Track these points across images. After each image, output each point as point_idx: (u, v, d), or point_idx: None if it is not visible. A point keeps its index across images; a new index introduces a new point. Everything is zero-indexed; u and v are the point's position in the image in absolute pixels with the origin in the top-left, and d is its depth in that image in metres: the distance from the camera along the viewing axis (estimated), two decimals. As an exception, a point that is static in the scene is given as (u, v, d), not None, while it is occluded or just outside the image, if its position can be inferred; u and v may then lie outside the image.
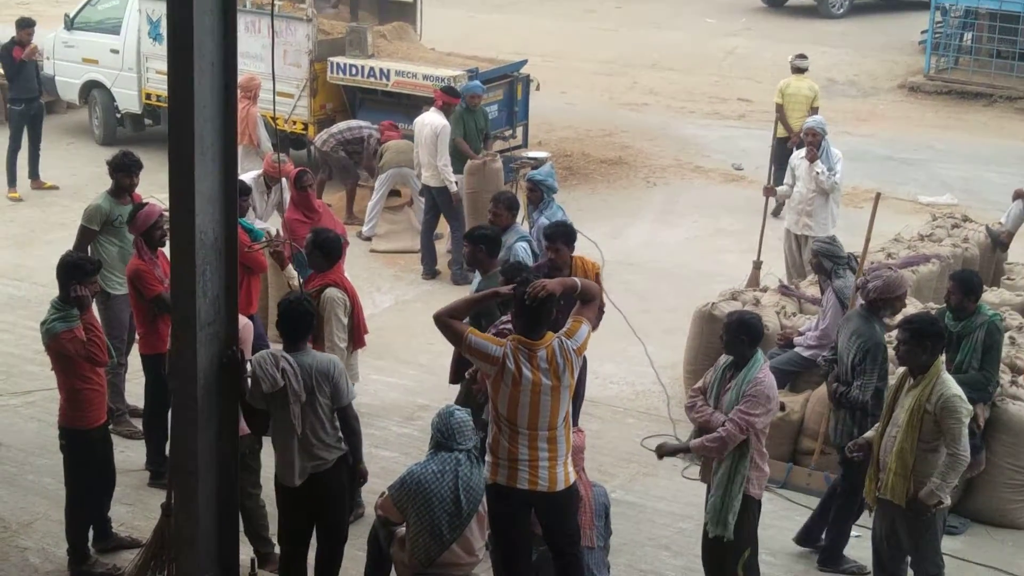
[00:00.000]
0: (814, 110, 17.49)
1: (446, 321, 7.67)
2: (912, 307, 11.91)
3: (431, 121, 15.45)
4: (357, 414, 8.45)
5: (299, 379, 8.10)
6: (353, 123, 17.24)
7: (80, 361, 8.87)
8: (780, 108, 17.78)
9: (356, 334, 10.13)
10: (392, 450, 10.85)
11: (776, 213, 15.85)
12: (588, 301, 7.74)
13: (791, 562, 9.80)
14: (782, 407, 10.92)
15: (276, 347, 8.77)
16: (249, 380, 8.16)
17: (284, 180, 13.16)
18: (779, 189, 14.27)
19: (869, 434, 8.81)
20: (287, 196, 12.63)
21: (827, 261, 11.11)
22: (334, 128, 17.10)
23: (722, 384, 8.51)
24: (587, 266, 10.24)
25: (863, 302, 9.72)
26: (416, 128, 15.65)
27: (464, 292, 11.15)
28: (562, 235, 10.20)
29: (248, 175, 12.90)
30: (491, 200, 11.58)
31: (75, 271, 8.98)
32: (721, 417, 8.34)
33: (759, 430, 8.34)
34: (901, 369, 8.67)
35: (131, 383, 11.35)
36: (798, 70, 18.13)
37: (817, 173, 13.70)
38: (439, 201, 15.38)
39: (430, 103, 17.17)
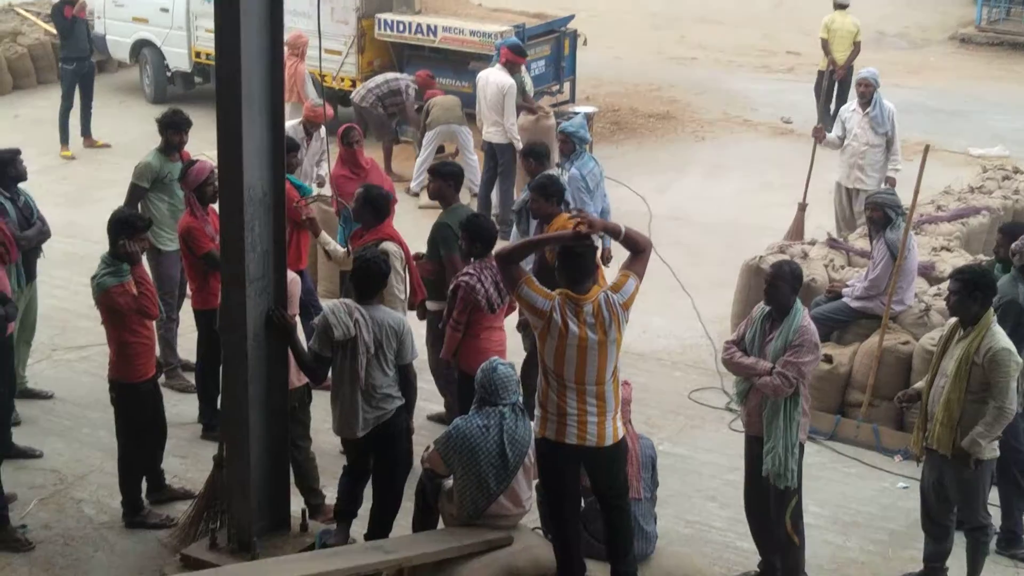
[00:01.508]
0: (856, 44, 18.89)
1: (507, 262, 7.64)
2: (962, 259, 11.86)
3: (497, 79, 15.36)
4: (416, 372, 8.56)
5: (370, 331, 8.25)
6: (389, 75, 17.08)
7: (130, 315, 8.95)
8: (824, 43, 19.01)
9: (413, 289, 10.16)
10: (440, 404, 10.89)
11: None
12: (637, 253, 7.68)
13: (839, 512, 9.80)
14: (829, 359, 10.90)
15: (325, 303, 8.83)
16: (317, 327, 8.30)
17: (324, 129, 13.19)
18: (828, 135, 14.13)
19: (919, 384, 8.77)
20: (325, 147, 12.65)
21: (890, 211, 11.04)
22: (370, 83, 16.97)
23: (763, 336, 8.49)
24: (564, 223, 10.16)
25: (1017, 264, 9.54)
26: (479, 84, 15.56)
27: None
28: (537, 187, 10.46)
29: (287, 124, 12.87)
30: (520, 154, 11.66)
31: (125, 227, 9.06)
32: (767, 364, 8.34)
33: (806, 377, 8.35)
34: (952, 320, 8.62)
35: (183, 338, 11.45)
36: (840, 6, 19.21)
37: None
38: (501, 159, 15.32)
39: (477, 59, 17.21)
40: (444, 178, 10.42)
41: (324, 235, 10.84)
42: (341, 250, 10.55)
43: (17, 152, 10.89)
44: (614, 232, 7.69)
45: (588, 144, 12.25)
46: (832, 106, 18.25)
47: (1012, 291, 9.35)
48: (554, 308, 7.43)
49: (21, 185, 10.84)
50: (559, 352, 7.44)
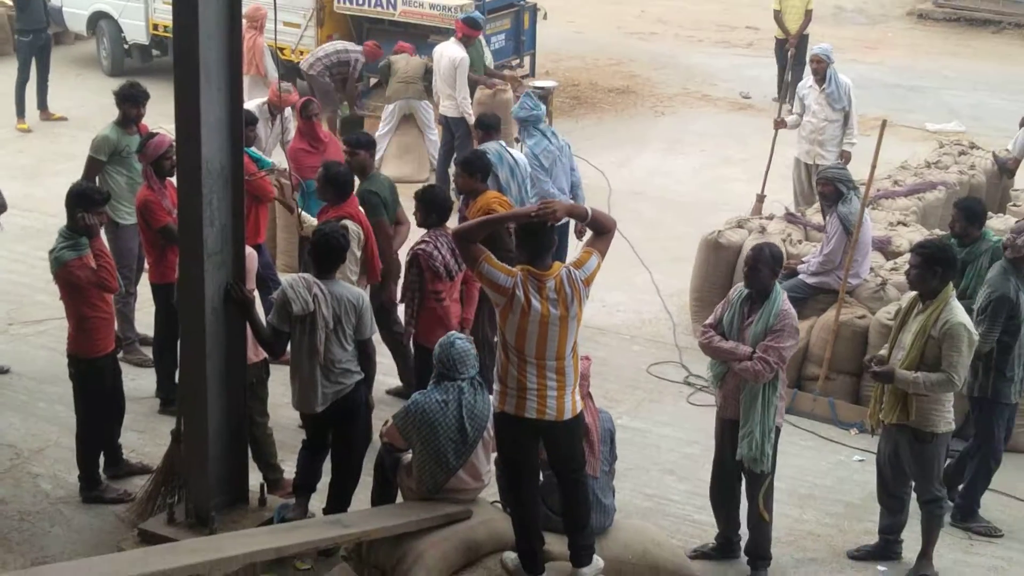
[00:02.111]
0: (808, 13, 19.14)
1: (465, 240, 7.61)
2: (918, 234, 11.93)
3: (450, 53, 15.33)
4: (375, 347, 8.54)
5: (328, 306, 8.23)
6: (339, 44, 16.90)
7: (89, 289, 8.89)
8: (777, 14, 19.31)
9: (370, 267, 10.14)
10: (399, 379, 10.87)
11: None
12: (601, 233, 7.69)
13: (795, 485, 9.85)
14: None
15: (284, 277, 8.80)
16: (275, 302, 8.27)
17: (289, 110, 13.11)
18: (788, 119, 14.21)
19: (883, 352, 8.79)
20: (292, 127, 12.59)
21: (842, 186, 11.09)
22: (320, 51, 16.79)
23: (742, 318, 8.47)
24: (488, 201, 10.34)
25: (1009, 256, 9.46)
26: (435, 58, 15.53)
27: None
28: (462, 163, 10.70)
29: (252, 103, 12.79)
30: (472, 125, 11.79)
31: (83, 200, 8.99)
32: (747, 348, 8.32)
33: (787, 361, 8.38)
34: (911, 293, 8.66)
35: (141, 312, 11.39)
36: None
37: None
38: (456, 132, 15.30)
39: (437, 32, 17.12)
40: (359, 149, 10.60)
41: (303, 212, 10.73)
42: (314, 221, 10.38)
43: None
44: (580, 215, 7.72)
45: (542, 121, 12.18)
46: (789, 74, 18.13)
47: (1003, 285, 9.22)
48: (516, 285, 7.41)
49: None
50: (521, 328, 7.43)
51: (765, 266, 8.37)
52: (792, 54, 18.09)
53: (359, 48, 16.69)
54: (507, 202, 10.63)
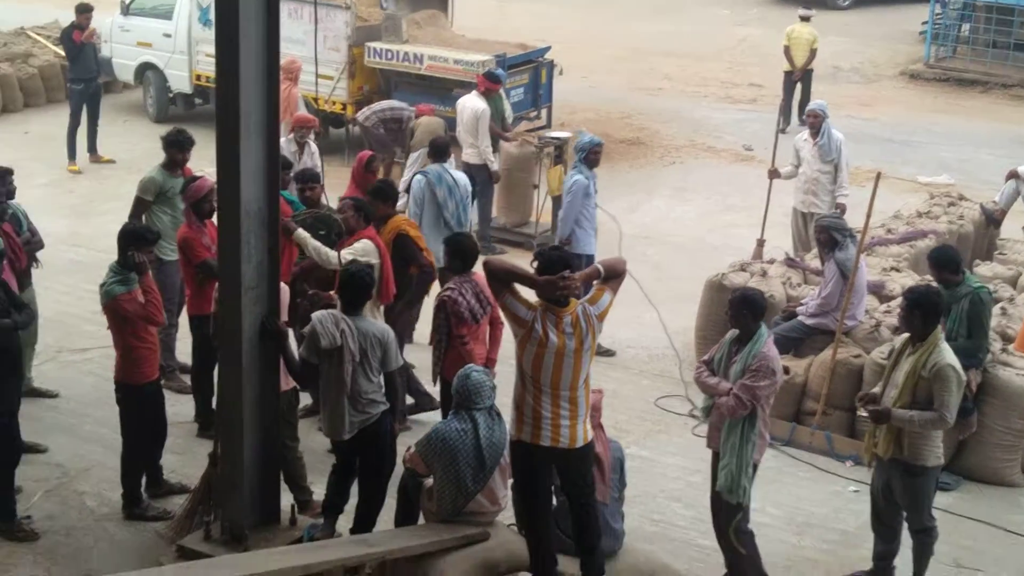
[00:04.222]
0: (813, 51, 20.79)
1: (495, 273, 7.61)
2: (910, 279, 11.91)
3: (472, 105, 15.43)
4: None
5: (355, 340, 8.22)
6: (395, 103, 17.07)
7: (135, 321, 8.93)
8: (787, 49, 20.96)
9: (384, 288, 10.17)
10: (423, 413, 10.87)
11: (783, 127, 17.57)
12: (613, 278, 7.72)
13: (794, 514, 9.81)
14: (787, 370, 10.92)
15: (314, 313, 8.79)
16: (306, 336, 8.27)
17: (315, 146, 13.17)
18: (783, 170, 14.22)
19: (875, 389, 8.77)
20: (318, 162, 12.62)
21: (836, 234, 11.10)
22: (376, 105, 16.98)
23: (729, 357, 8.47)
24: (387, 228, 10.60)
25: None
26: (458, 109, 15.64)
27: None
28: (374, 191, 10.85)
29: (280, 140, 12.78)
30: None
31: (136, 239, 9.06)
32: (727, 385, 8.33)
33: (764, 401, 8.32)
34: (905, 335, 8.64)
35: (180, 342, 11.41)
36: (803, 18, 21.13)
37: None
38: (478, 178, 15.37)
39: (461, 85, 17.23)
40: (356, 210, 10.44)
41: (300, 232, 10.57)
42: (324, 248, 10.34)
43: (7, 171, 10.77)
44: (595, 276, 7.70)
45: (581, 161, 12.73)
46: (797, 101, 20.55)
47: None
48: (536, 318, 7.44)
49: (13, 201, 10.76)
50: (537, 358, 7.44)
51: (745, 309, 8.36)
52: (798, 81, 20.48)
53: (410, 107, 16.75)
54: (414, 224, 11.07)
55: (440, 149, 12.96)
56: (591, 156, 12.65)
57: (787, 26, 21.76)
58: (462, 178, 12.83)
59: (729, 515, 8.35)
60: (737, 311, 8.38)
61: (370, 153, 12.23)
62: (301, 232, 10.27)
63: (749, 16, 29.67)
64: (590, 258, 12.01)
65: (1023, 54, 24.53)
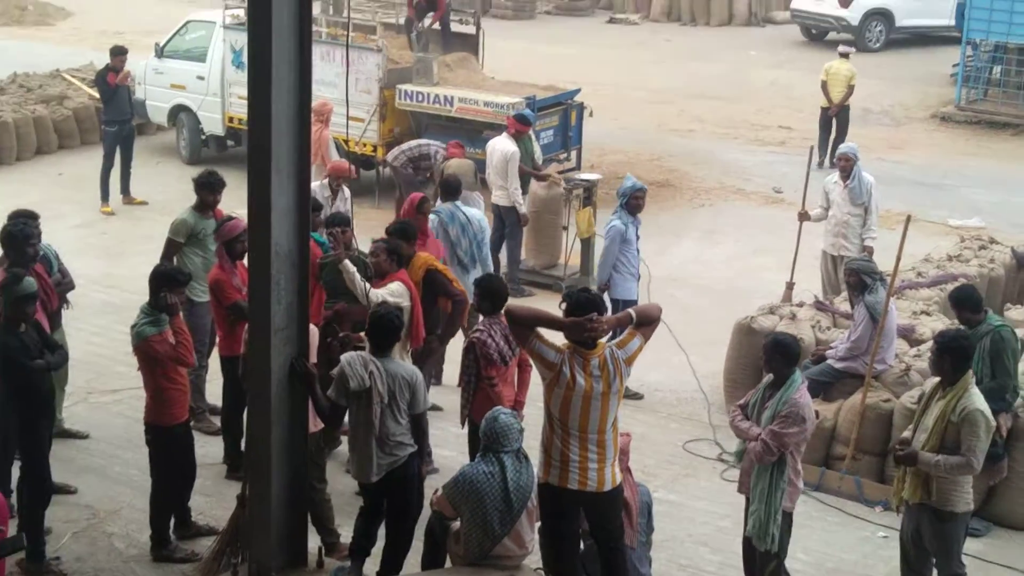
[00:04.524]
0: (851, 87, 21.02)
1: (519, 320, 7.65)
2: (940, 323, 11.86)
3: (502, 147, 15.48)
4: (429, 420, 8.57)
5: (384, 383, 8.25)
6: (423, 140, 17.09)
7: (166, 362, 8.98)
8: (824, 84, 21.22)
9: (414, 332, 10.20)
10: (450, 449, 10.87)
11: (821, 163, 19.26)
12: (645, 324, 7.72)
13: (823, 559, 9.75)
14: (816, 414, 10.86)
15: (343, 355, 8.81)
16: (335, 377, 8.28)
17: (347, 190, 13.26)
18: (812, 213, 14.20)
19: (906, 433, 8.72)
20: (351, 207, 12.69)
21: (866, 277, 11.07)
22: (404, 145, 17.01)
23: (762, 402, 8.48)
24: (416, 263, 10.72)
25: None
26: (488, 151, 15.69)
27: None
28: (399, 231, 10.84)
29: (314, 183, 12.86)
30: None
31: (168, 280, 9.13)
32: (757, 430, 8.32)
33: (794, 448, 8.29)
34: (935, 379, 8.61)
35: (210, 384, 11.45)
36: (843, 55, 21.53)
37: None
38: (507, 220, 15.42)
39: (491, 128, 17.29)
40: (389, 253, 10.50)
41: (347, 263, 10.55)
42: (361, 282, 10.27)
43: (33, 216, 10.77)
44: (625, 323, 7.70)
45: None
46: (831, 137, 20.85)
47: None
48: (564, 361, 7.45)
49: (45, 242, 10.79)
50: (565, 401, 7.45)
51: (777, 354, 8.38)
52: (834, 117, 20.82)
53: (439, 143, 16.78)
54: (435, 259, 11.03)
55: (451, 188, 13.05)
56: (632, 201, 12.63)
57: (816, 69, 21.79)
58: (475, 215, 12.92)
59: (764, 563, 8.32)
60: (770, 356, 8.39)
61: (422, 195, 12.29)
62: (348, 264, 10.30)
63: (779, 59, 29.71)
64: (629, 303, 11.97)
65: (1054, 97, 24.45)
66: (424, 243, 11.67)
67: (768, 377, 8.56)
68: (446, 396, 11.52)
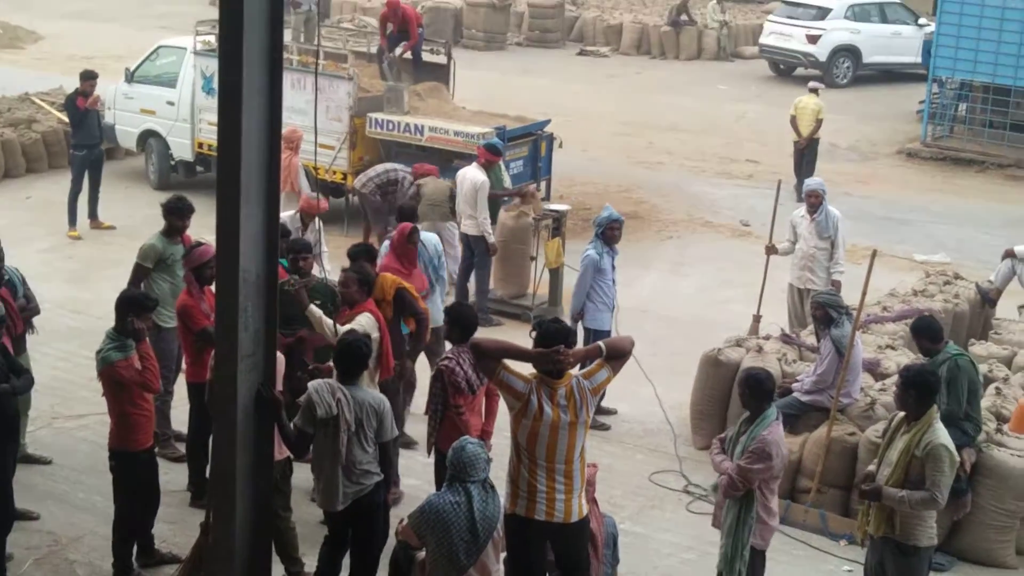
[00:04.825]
0: (819, 121, 21.46)
1: (485, 352, 7.67)
2: (905, 357, 11.92)
3: (472, 176, 15.47)
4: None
5: (351, 410, 8.22)
6: (389, 165, 16.96)
7: (131, 387, 8.93)
8: (793, 119, 21.70)
9: (383, 362, 10.18)
10: (417, 479, 10.84)
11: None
12: (615, 358, 7.72)
13: (787, 593, 9.77)
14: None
15: (310, 382, 8.78)
16: (302, 405, 8.24)
17: (319, 221, 13.26)
18: (780, 246, 14.28)
19: (871, 468, 8.76)
20: (322, 238, 12.67)
21: (832, 311, 11.12)
22: (371, 171, 16.90)
23: (737, 436, 8.51)
24: (385, 284, 10.73)
25: None
26: (458, 181, 15.67)
27: (488, 335, 11.30)
28: (363, 252, 10.97)
29: (285, 214, 12.85)
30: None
31: (135, 306, 9.09)
32: (729, 464, 8.34)
33: (762, 484, 8.29)
34: (900, 413, 8.65)
35: (176, 410, 11.38)
36: (812, 90, 21.96)
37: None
38: (476, 249, 15.43)
39: (461, 157, 17.30)
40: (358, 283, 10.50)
41: (313, 307, 10.63)
42: (329, 322, 10.36)
43: None
44: (596, 355, 7.72)
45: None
46: (801, 170, 21.14)
47: None
48: (531, 391, 7.47)
49: (11, 266, 10.74)
50: (533, 432, 7.45)
51: (743, 388, 8.46)
52: (803, 150, 21.29)
53: (407, 168, 16.74)
54: (394, 279, 10.98)
55: (406, 213, 13.05)
56: (608, 232, 12.61)
57: (784, 104, 21.95)
58: (430, 238, 12.87)
59: None
60: (742, 391, 8.44)
61: (411, 225, 12.31)
62: (315, 310, 10.30)
63: (748, 93, 29.93)
64: (602, 334, 11.99)
65: (1019, 134, 24.68)
66: (410, 273, 11.73)
67: (746, 412, 8.59)
68: (414, 425, 11.49)
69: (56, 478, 10.91)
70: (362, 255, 10.97)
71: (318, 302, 10.50)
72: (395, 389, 10.58)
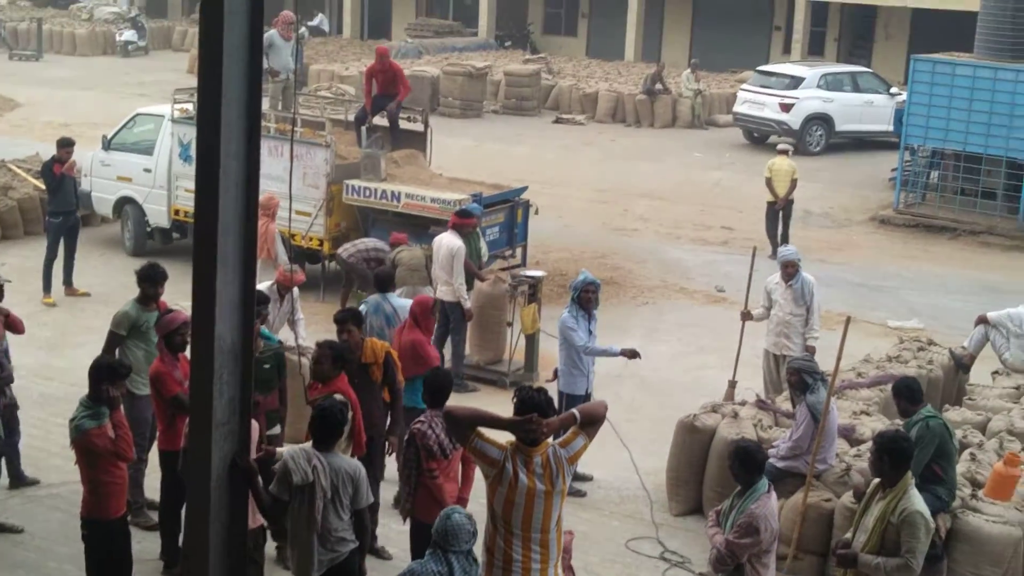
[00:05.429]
0: (794, 181, 21.95)
1: (458, 420, 7.66)
2: (880, 423, 11.94)
3: (448, 243, 15.50)
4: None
5: (327, 477, 8.18)
6: (379, 243, 16.98)
7: (105, 456, 8.86)
8: (769, 181, 22.07)
9: (356, 440, 10.11)
10: (393, 547, 10.75)
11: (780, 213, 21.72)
12: (590, 424, 7.72)
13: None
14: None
15: (286, 449, 8.74)
16: (277, 472, 8.19)
17: (296, 290, 13.26)
18: (755, 312, 14.34)
19: (847, 535, 8.74)
20: (298, 307, 12.67)
21: (808, 376, 11.14)
22: (360, 243, 16.97)
23: (730, 509, 8.52)
24: (376, 347, 10.83)
25: None
26: (434, 247, 15.70)
27: (464, 401, 11.31)
28: (351, 317, 11.00)
29: (263, 284, 12.89)
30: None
31: (109, 373, 9.04)
32: (721, 537, 8.33)
33: (752, 559, 8.27)
34: (876, 480, 8.65)
35: (149, 477, 11.29)
36: (782, 151, 22.56)
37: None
38: (452, 316, 15.42)
39: (437, 223, 17.34)
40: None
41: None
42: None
43: None
44: (571, 423, 7.70)
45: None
46: (779, 231, 21.88)
47: None
48: (507, 458, 7.43)
49: None
50: (508, 500, 7.41)
51: (732, 461, 8.48)
52: (780, 211, 21.78)
53: (392, 251, 16.76)
54: (384, 344, 11.09)
55: (381, 280, 13.23)
56: (583, 295, 12.55)
57: (758, 171, 22.13)
58: (403, 305, 12.84)
59: None
60: (731, 463, 8.44)
61: (433, 298, 12.35)
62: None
63: (722, 160, 30.15)
64: (576, 399, 11.98)
65: (991, 201, 24.89)
66: (428, 342, 11.98)
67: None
68: (388, 491, 11.42)
69: (27, 547, 10.79)
70: (349, 320, 10.95)
71: (267, 366, 10.54)
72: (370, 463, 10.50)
